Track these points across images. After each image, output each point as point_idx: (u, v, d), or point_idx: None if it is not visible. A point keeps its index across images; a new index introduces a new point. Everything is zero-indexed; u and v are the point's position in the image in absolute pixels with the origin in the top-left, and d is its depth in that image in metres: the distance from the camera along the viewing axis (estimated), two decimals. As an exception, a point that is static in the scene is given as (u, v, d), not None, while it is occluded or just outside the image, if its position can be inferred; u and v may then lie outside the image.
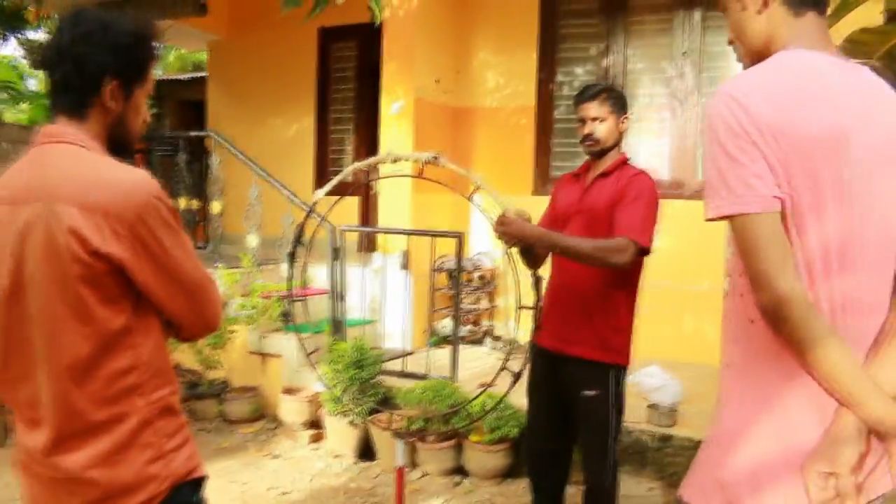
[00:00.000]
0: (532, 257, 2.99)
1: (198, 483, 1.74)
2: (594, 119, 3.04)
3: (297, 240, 3.17)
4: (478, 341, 6.34)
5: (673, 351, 5.39)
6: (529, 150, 6.45)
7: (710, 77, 5.83)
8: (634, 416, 4.26)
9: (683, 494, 1.60)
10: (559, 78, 6.38)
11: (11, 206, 1.55)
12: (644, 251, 2.86)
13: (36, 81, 15.97)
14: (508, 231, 2.73)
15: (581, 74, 6.29)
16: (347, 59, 7.99)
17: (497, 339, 6.28)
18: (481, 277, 6.46)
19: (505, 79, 6.57)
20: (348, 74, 8.00)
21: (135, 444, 1.59)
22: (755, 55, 1.60)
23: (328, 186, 3.02)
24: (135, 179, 1.54)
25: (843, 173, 1.43)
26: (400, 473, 3.11)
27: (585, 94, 3.06)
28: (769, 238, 1.39)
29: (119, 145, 1.66)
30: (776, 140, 1.39)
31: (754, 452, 1.48)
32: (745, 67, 1.62)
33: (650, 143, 6.00)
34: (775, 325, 1.41)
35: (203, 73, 11.57)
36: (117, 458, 1.57)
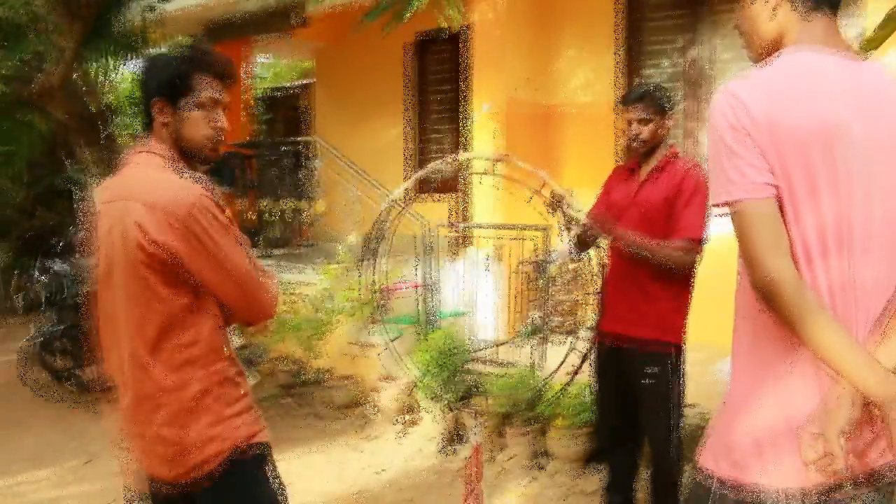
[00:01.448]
0: (585, 244, 3.26)
1: (261, 451, 2.02)
2: (639, 121, 3.23)
3: (379, 235, 3.48)
4: (570, 332, 6.51)
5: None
6: (617, 145, 6.58)
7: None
8: (713, 404, 4.34)
9: (699, 459, 1.77)
10: (645, 71, 6.48)
11: (107, 204, 1.95)
12: (701, 242, 3.06)
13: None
14: (595, 231, 3.04)
15: (667, 67, 6.37)
16: (441, 62, 8.33)
17: (589, 329, 6.45)
18: (573, 270, 6.63)
19: (592, 75, 6.72)
20: (442, 77, 8.33)
21: (198, 408, 1.91)
22: (763, 50, 1.75)
23: (407, 183, 3.32)
24: (187, 184, 1.89)
25: (840, 163, 1.56)
26: (476, 450, 3.37)
27: (628, 98, 3.26)
28: (761, 222, 1.54)
29: (188, 151, 2.02)
30: (771, 133, 1.54)
31: (758, 420, 1.64)
32: (750, 56, 1.79)
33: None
34: (768, 302, 1.55)
35: (307, 81, 12.20)
36: (183, 420, 1.90)
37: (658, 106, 3.23)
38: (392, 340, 3.50)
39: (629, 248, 3.12)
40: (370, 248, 3.59)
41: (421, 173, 3.23)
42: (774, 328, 1.61)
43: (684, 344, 3.23)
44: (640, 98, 3.24)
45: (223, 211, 1.93)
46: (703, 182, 3.09)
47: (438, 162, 3.29)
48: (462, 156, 3.23)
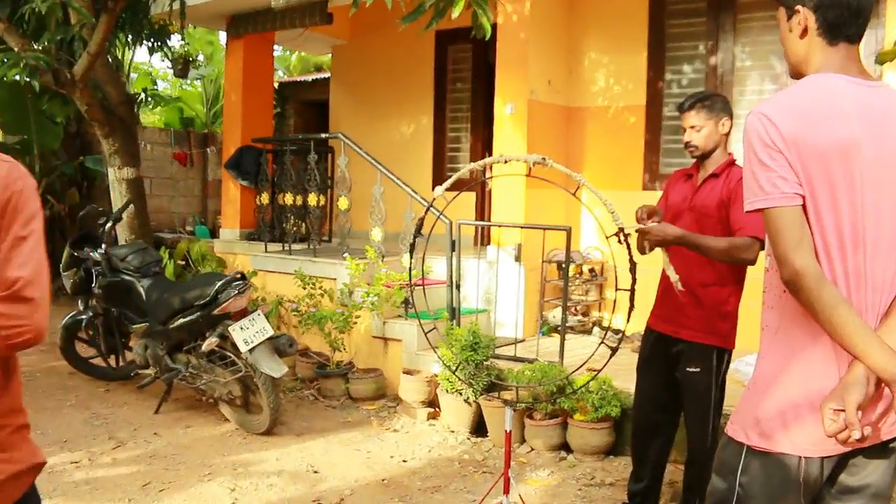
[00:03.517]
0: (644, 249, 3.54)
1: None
2: (692, 127, 3.51)
3: (417, 232, 3.75)
4: (587, 331, 6.81)
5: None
6: (639, 148, 6.85)
7: (822, 72, 6.07)
8: (732, 402, 4.64)
9: (728, 430, 2.07)
10: (668, 76, 6.76)
11: None
12: (763, 243, 3.31)
13: (168, 85, 17.39)
14: (652, 239, 3.25)
15: (689, 73, 6.65)
16: (463, 60, 8.62)
17: (605, 329, 6.74)
18: (591, 270, 6.93)
19: (615, 78, 6.99)
20: (464, 75, 8.63)
21: None
22: (793, 68, 2.07)
23: (447, 183, 3.57)
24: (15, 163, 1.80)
25: (855, 175, 1.87)
26: (508, 437, 3.66)
27: (683, 106, 3.54)
28: (789, 225, 1.84)
29: None
30: (797, 149, 1.85)
31: (784, 395, 1.93)
32: (789, 71, 2.10)
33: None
34: (795, 294, 1.85)
35: (324, 75, 12.43)
36: None
37: (711, 111, 3.48)
38: (427, 333, 3.78)
39: (695, 250, 3.29)
40: (409, 244, 3.86)
41: (461, 172, 3.49)
42: (799, 316, 1.91)
43: (732, 348, 3.52)
44: (692, 105, 3.49)
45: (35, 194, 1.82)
46: None
47: (480, 162, 3.55)
48: (505, 157, 3.47)
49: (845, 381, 1.82)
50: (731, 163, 3.51)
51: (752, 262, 3.28)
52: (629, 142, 6.90)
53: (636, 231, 3.26)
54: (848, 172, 1.86)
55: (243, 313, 5.27)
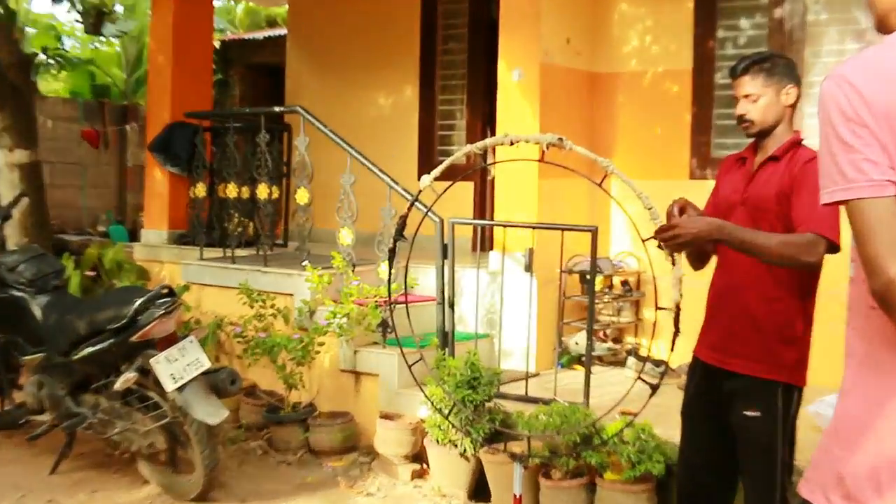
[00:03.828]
0: (699, 255, 3.43)
1: None
2: (747, 97, 3.43)
3: (399, 235, 3.67)
4: (620, 362, 6.74)
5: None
6: (685, 125, 6.80)
7: (921, 28, 6.03)
8: (806, 455, 4.56)
9: (802, 491, 1.99)
10: (721, 34, 6.71)
11: None
12: (834, 249, 3.20)
13: (77, 44, 17.33)
14: (679, 235, 3.14)
15: (748, 28, 6.61)
16: (457, 13, 8.58)
17: (643, 359, 6.66)
18: (624, 283, 6.86)
19: (652, 36, 6.94)
20: (459, 32, 8.58)
21: None
22: (879, 21, 1.99)
23: (437, 171, 3.50)
24: None
25: None
26: (517, 503, 3.58)
27: (736, 70, 3.46)
28: (881, 222, 1.76)
29: None
30: (889, 123, 1.77)
31: (876, 446, 1.85)
32: (874, 25, 2.02)
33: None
34: (888, 312, 1.77)
35: (279, 31, 12.39)
36: None
37: (771, 75, 3.39)
38: (411, 365, 3.69)
39: (738, 247, 3.20)
40: (389, 249, 3.78)
41: (455, 157, 3.41)
42: (892, 341, 1.83)
43: (803, 385, 3.42)
44: (747, 68, 3.42)
45: None
46: None
47: (481, 143, 3.46)
48: (511, 137, 3.39)
49: None
50: (797, 143, 3.44)
51: (814, 267, 3.21)
52: (672, 117, 6.85)
53: (656, 232, 3.15)
54: None
55: (171, 340, 5.16)
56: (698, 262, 3.53)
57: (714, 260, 3.56)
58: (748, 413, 3.42)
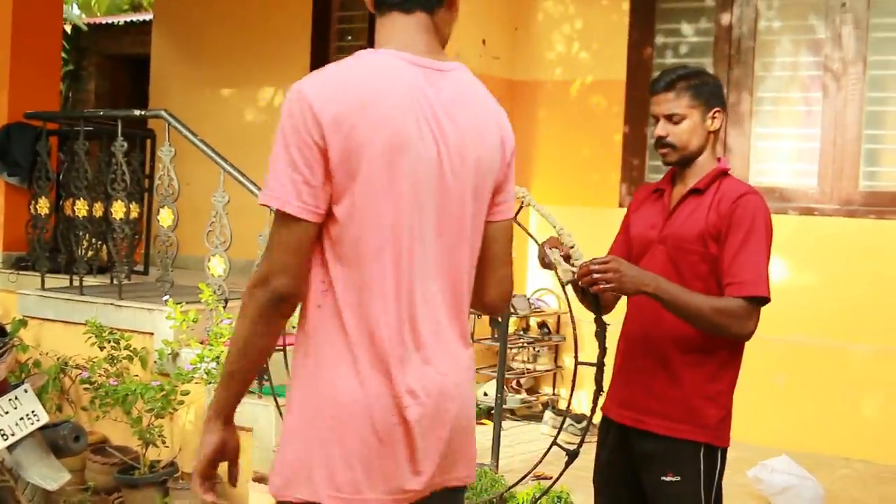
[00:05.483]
0: (598, 300, 3.44)
1: None
2: (668, 117, 3.42)
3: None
4: (535, 417, 6.79)
5: (812, 437, 5.71)
6: (615, 144, 6.93)
7: (881, 40, 6.24)
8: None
9: None
10: (659, 40, 6.86)
11: None
12: (764, 302, 3.28)
13: None
14: (620, 281, 3.18)
15: (690, 35, 6.77)
16: (355, 3, 8.57)
17: (562, 413, 6.73)
18: (542, 325, 6.92)
19: (581, 41, 7.07)
20: (357, 26, 8.62)
21: None
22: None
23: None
24: None
25: (401, 177, 2.22)
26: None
27: (657, 84, 3.44)
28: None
29: None
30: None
31: None
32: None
33: (791, 135, 6.43)
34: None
35: (143, 16, 12.28)
36: None
37: (698, 95, 3.39)
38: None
39: (668, 305, 3.24)
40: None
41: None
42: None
43: (726, 445, 3.46)
44: (670, 84, 3.40)
45: None
46: (761, 217, 3.27)
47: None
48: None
49: None
50: (724, 172, 3.45)
51: (747, 339, 3.28)
52: (601, 135, 6.96)
53: (583, 273, 3.18)
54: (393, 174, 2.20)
55: (1, 389, 5.07)
56: (597, 307, 3.49)
57: (623, 301, 3.58)
58: (666, 479, 3.46)
